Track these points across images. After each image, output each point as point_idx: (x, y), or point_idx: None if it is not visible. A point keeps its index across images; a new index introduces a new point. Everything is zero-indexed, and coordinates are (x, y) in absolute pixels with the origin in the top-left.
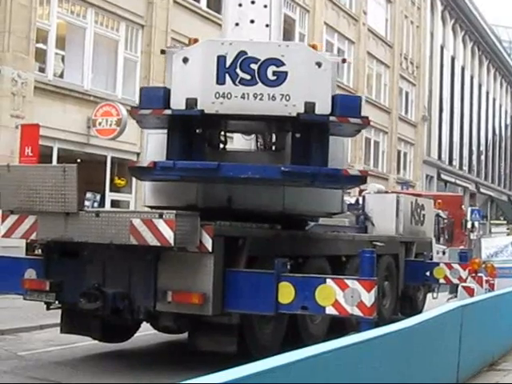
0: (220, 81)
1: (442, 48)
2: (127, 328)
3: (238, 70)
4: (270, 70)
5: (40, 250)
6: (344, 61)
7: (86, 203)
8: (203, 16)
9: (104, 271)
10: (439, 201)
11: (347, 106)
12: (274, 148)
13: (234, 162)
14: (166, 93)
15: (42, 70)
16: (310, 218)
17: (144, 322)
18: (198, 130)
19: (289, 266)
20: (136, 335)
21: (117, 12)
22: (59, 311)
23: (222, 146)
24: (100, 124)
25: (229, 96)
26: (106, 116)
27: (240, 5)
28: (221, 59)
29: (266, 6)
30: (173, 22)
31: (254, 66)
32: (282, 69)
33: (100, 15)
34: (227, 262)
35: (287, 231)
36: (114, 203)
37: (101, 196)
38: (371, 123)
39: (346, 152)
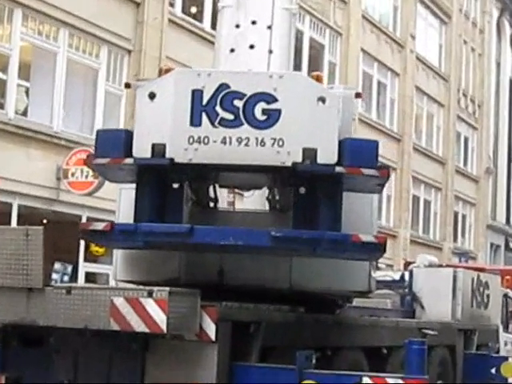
0: (195, 122)
1: (511, 82)
2: None
3: (217, 108)
4: (259, 107)
5: None
6: (359, 95)
7: (54, 276)
8: (206, 39)
9: (76, 364)
10: (508, 277)
11: (359, 153)
12: (279, 207)
13: (227, 225)
14: (129, 137)
15: (0, 105)
16: (333, 297)
17: None
18: (174, 185)
19: (314, 360)
20: None
21: (96, 33)
22: None
23: (212, 204)
24: (73, 175)
25: (206, 141)
26: (81, 165)
27: (237, 26)
28: (196, 94)
29: (269, 28)
30: (168, 47)
31: (239, 103)
32: (274, 106)
33: (75, 37)
34: (235, 354)
35: (312, 315)
36: (90, 277)
37: (73, 267)
38: (421, 177)
39: (374, 213)
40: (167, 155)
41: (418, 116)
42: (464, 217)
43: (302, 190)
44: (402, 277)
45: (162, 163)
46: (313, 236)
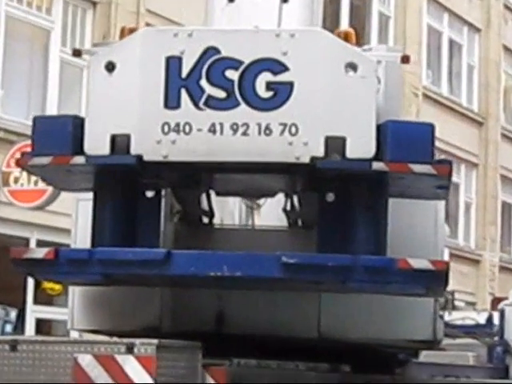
0: (171, 102)
1: None
2: None
3: (203, 83)
4: (262, 80)
5: None
6: (406, 59)
7: None
8: None
9: None
10: None
11: (407, 141)
12: (302, 222)
13: (226, 248)
14: (79, 126)
15: None
16: (390, 350)
17: None
18: (148, 193)
19: None
20: None
21: None
22: None
23: (205, 219)
24: (17, 181)
25: (187, 129)
26: None
27: None
28: (173, 63)
29: None
30: None
31: (234, 75)
32: (283, 77)
33: None
34: None
35: (362, 376)
36: (43, 325)
37: (18, 312)
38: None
39: (440, 229)
40: (133, 151)
41: (508, 89)
42: None
43: (330, 198)
44: (490, 319)
45: (126, 162)
46: (341, 262)
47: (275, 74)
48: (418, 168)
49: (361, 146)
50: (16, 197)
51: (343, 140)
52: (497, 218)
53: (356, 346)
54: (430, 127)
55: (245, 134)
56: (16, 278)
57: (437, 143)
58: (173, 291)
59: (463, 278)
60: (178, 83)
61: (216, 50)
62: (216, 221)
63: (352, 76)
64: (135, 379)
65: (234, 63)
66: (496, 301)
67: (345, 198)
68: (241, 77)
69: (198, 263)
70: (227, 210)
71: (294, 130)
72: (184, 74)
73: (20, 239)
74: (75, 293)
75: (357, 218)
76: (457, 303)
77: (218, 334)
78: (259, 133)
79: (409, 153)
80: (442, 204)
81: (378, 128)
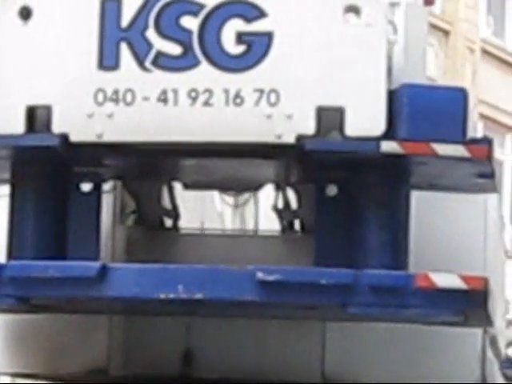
0: (107, 61)
1: None
2: None
3: (151, 34)
4: (231, 28)
5: None
6: (429, 2)
7: None
8: None
9: None
10: None
11: (430, 113)
12: (300, 224)
13: (194, 261)
14: None
15: None
16: None
17: None
18: (83, 187)
19: None
20: None
21: None
22: None
23: (169, 221)
24: None
25: (129, 98)
26: None
27: None
28: (109, 8)
29: None
30: None
31: (192, 23)
32: (258, 26)
33: None
34: None
35: None
36: None
37: None
38: None
39: (490, 237)
40: (55, 129)
41: None
42: None
43: (332, 191)
44: None
45: (46, 144)
46: (339, 279)
47: (249, 21)
48: (444, 149)
49: (365, 119)
50: None
51: (341, 112)
52: None
53: None
54: (462, 93)
55: (207, 103)
56: None
57: (500, 116)
58: (125, 321)
59: None
60: (117, 35)
61: None
62: (183, 224)
63: (353, 24)
64: None
65: (193, 7)
66: None
67: (350, 191)
68: (202, 25)
69: (143, 281)
70: (198, 210)
71: (273, 98)
72: (125, 22)
73: None
74: None
75: (366, 218)
76: None
77: (185, 378)
78: (227, 102)
79: (431, 128)
80: (493, 200)
81: (391, 95)
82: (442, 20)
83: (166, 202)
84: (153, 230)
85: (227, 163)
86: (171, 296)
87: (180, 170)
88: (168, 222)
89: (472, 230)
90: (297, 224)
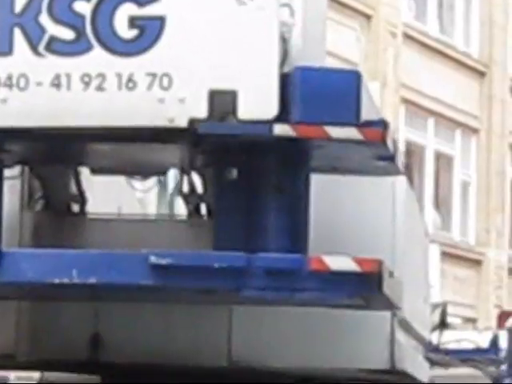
0: (0, 46)
1: None
2: None
3: (43, 19)
4: (124, 14)
5: None
6: None
7: None
8: None
9: None
10: None
11: (322, 96)
12: (206, 208)
13: (101, 245)
14: None
15: None
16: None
17: None
18: None
19: None
20: None
21: None
22: None
23: (76, 206)
24: None
25: (22, 83)
26: None
27: None
28: None
29: None
30: None
31: (85, 8)
32: (151, 10)
33: None
34: None
35: None
36: None
37: None
38: None
39: (402, 218)
40: None
41: None
42: None
43: (232, 175)
44: (495, 341)
45: None
46: (232, 263)
47: (141, 5)
48: (336, 132)
49: (258, 102)
50: None
51: (233, 95)
52: (504, 203)
53: (317, 380)
54: (355, 76)
55: (100, 88)
56: None
57: (421, 100)
58: (32, 306)
59: (460, 284)
60: (10, 20)
61: None
62: (93, 209)
63: (246, 7)
64: None
65: None
66: (504, 316)
67: (249, 175)
68: (95, 10)
69: (37, 266)
70: (108, 195)
71: (166, 81)
72: (18, 7)
73: None
74: None
75: (265, 201)
76: (450, 320)
77: (93, 362)
78: (119, 86)
79: (324, 111)
80: (401, 183)
81: (285, 78)
82: (364, 4)
83: (71, 187)
84: (60, 216)
85: (130, 148)
86: (65, 281)
87: (84, 155)
88: (75, 208)
89: (378, 213)
90: (203, 208)
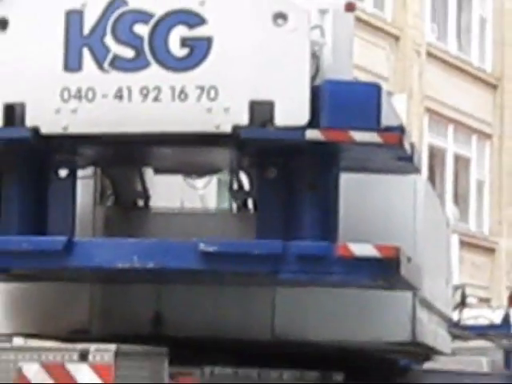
0: (71, 64)
1: None
2: None
3: (108, 40)
4: (176, 35)
5: None
6: (350, 7)
7: None
8: None
9: None
10: None
11: (347, 105)
12: (252, 205)
13: (162, 235)
14: None
15: None
16: (389, 356)
17: None
18: (61, 172)
19: None
20: None
21: None
22: None
23: (140, 201)
24: None
25: (90, 95)
26: None
27: None
28: (73, 19)
29: None
30: None
31: (143, 30)
32: (200, 32)
33: None
34: None
35: None
36: None
37: None
38: None
39: (419, 211)
40: (28, 123)
41: None
42: None
43: (272, 174)
44: (506, 318)
45: (20, 136)
46: (270, 250)
47: (191, 27)
48: (360, 136)
49: (292, 111)
50: None
51: (271, 105)
52: None
53: (348, 351)
54: (376, 88)
55: (156, 99)
56: None
57: (442, 110)
58: (102, 287)
59: (476, 269)
60: (80, 41)
61: (123, 2)
62: (156, 203)
63: (282, 28)
64: None
65: (144, 16)
66: (510, 298)
67: (286, 174)
68: (151, 32)
69: (103, 253)
70: (168, 192)
71: (213, 93)
72: (86, 30)
73: None
74: None
75: (300, 197)
76: (468, 300)
77: (156, 336)
78: (173, 98)
79: (349, 118)
80: (421, 181)
81: (316, 90)
82: (393, 26)
83: (137, 185)
84: (127, 210)
85: (186, 151)
86: (127, 265)
87: (147, 157)
88: (140, 203)
89: (401, 207)
90: (250, 204)
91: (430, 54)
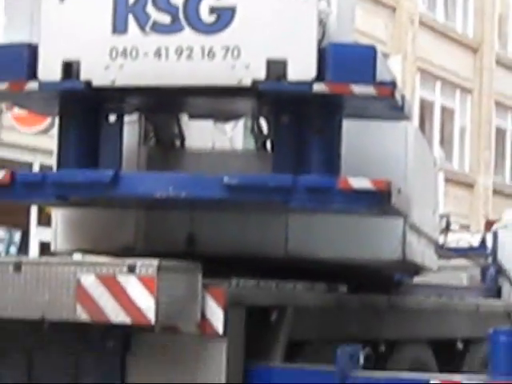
0: (119, 27)
1: None
2: None
3: (149, 8)
4: (206, 4)
5: None
6: None
7: None
8: None
9: (29, 370)
10: None
11: (348, 63)
12: (270, 145)
13: (196, 169)
14: (33, 53)
15: None
16: (384, 272)
17: None
18: (111, 118)
19: (362, 359)
20: None
21: None
22: None
23: (177, 142)
24: None
25: (134, 54)
26: None
27: None
28: None
29: None
30: None
31: (178, 0)
32: (225, 2)
33: None
34: (252, 352)
35: (358, 297)
36: (47, 247)
37: (22, 234)
38: (508, 102)
39: (410, 152)
40: (82, 76)
41: (503, 16)
42: None
43: (285, 120)
44: (483, 241)
45: (76, 88)
46: (282, 183)
47: None
48: (358, 89)
49: (302, 68)
50: (20, 122)
51: (284, 63)
52: (491, 143)
53: (350, 267)
54: (372, 49)
55: (189, 57)
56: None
57: (432, 69)
58: (146, 213)
59: (458, 201)
60: (126, 9)
61: None
62: (190, 144)
63: (294, 0)
64: (137, 299)
65: None
66: (489, 223)
67: (297, 120)
68: (185, 2)
69: (144, 184)
70: (200, 134)
71: (236, 53)
72: (131, 1)
73: (23, 164)
74: (58, 216)
75: (309, 139)
76: (452, 226)
77: (190, 253)
78: (203, 56)
79: (350, 74)
80: (411, 127)
81: (321, 51)
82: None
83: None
84: (166, 149)
85: (215, 100)
86: (164, 195)
87: (182, 105)
88: (177, 143)
89: (394, 149)
90: (268, 145)
91: (421, 23)
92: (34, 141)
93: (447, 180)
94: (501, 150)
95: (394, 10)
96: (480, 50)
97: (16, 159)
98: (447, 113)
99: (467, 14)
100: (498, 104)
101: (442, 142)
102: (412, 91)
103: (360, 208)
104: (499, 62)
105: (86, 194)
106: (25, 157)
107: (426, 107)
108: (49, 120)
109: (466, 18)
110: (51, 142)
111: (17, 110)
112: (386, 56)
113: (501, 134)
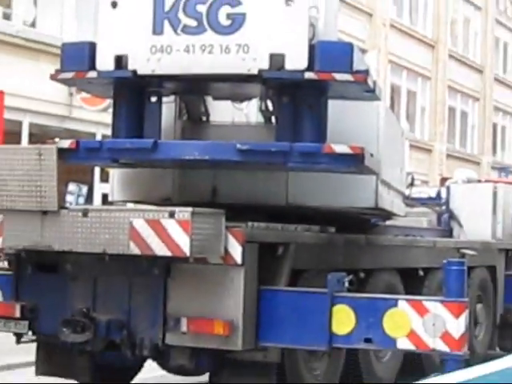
0: (157, 30)
1: None
2: (126, 368)
3: (180, 15)
4: (223, 11)
5: (7, 263)
6: None
7: (69, 198)
8: None
9: (94, 291)
10: None
11: (331, 56)
12: (274, 120)
13: (218, 139)
14: (93, 49)
15: (6, 16)
16: (364, 216)
17: (149, 361)
18: (152, 99)
19: (347, 283)
20: (139, 377)
21: None
22: (34, 345)
23: (204, 117)
24: None
25: (168, 50)
26: None
27: None
28: (158, 1)
29: None
30: None
31: (202, 8)
32: (238, 10)
33: None
34: (263, 278)
35: (343, 235)
36: (107, 198)
37: (88, 188)
38: (458, 87)
39: (380, 123)
40: (129, 67)
41: (454, 20)
42: (504, 128)
43: (285, 100)
44: (439, 193)
45: (125, 76)
46: (281, 148)
47: (232, 6)
48: (339, 76)
49: (296, 60)
50: (86, 102)
51: (283, 56)
52: (444, 119)
53: (336, 213)
54: (350, 46)
55: (210, 52)
56: None
57: (399, 61)
58: (180, 172)
59: (419, 163)
60: (162, 15)
61: None
62: (215, 119)
63: (288, 7)
64: (176, 237)
65: (202, 0)
66: (443, 180)
67: (294, 100)
68: (207, 10)
69: (176, 150)
70: (222, 112)
71: (246, 49)
72: (166, 8)
73: (89, 134)
74: (114, 174)
75: (302, 115)
76: (415, 182)
77: (214, 203)
78: (221, 52)
79: (333, 65)
80: (382, 106)
81: (311, 47)
82: (367, 7)
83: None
84: (196, 123)
85: (231, 85)
86: (191, 157)
87: (207, 88)
88: (204, 119)
89: (369, 123)
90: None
91: (392, 25)
92: (97, 116)
93: (411, 146)
94: (452, 123)
95: (370, 15)
96: (436, 46)
97: (83, 131)
98: (411, 95)
99: (426, 19)
100: (450, 88)
101: (407, 117)
102: (384, 78)
103: (341, 168)
104: (451, 56)
105: (133, 157)
106: (90, 129)
107: (395, 90)
108: (108, 101)
109: (425, 22)
110: (110, 117)
111: (83, 93)
112: (364, 51)
113: (452, 111)
